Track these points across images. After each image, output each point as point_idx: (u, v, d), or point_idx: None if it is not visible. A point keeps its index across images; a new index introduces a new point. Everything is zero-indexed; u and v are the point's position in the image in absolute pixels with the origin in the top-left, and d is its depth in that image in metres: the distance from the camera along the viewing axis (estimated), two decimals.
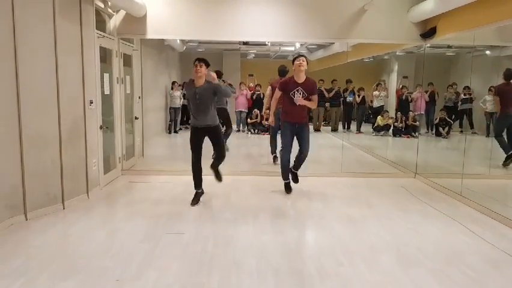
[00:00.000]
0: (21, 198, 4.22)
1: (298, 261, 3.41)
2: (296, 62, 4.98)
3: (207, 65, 4.63)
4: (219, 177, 5.00)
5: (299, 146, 5.19)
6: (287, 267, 3.27)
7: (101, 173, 5.52)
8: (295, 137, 5.19)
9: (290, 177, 5.41)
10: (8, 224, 4.05)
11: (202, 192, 4.94)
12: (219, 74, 7.37)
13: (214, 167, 4.94)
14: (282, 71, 6.87)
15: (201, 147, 4.78)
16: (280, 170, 5.39)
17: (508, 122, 6.42)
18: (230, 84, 8.56)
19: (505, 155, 6.35)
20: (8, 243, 3.67)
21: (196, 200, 4.82)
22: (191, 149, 4.77)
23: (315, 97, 5.11)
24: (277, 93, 5.16)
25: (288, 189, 5.39)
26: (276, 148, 7.03)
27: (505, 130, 6.47)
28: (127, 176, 6.28)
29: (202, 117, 4.65)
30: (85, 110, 4.96)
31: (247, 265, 3.29)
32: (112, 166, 6.08)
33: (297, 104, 4.94)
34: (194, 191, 4.89)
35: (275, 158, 7.08)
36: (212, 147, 4.93)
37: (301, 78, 5.00)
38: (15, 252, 3.48)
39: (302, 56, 5.08)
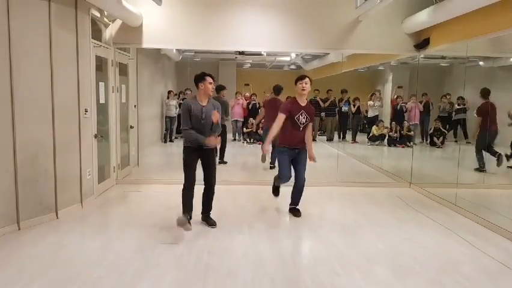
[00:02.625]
0: (14, 207, 4.18)
1: (293, 271, 3.40)
2: (299, 85, 4.64)
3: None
4: (211, 223, 4.48)
5: (295, 173, 4.82)
6: (282, 277, 3.25)
7: (95, 182, 5.48)
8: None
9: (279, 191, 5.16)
10: (0, 234, 4.00)
11: (191, 217, 4.22)
12: (221, 88, 7.59)
13: (206, 212, 4.55)
14: (278, 89, 7.11)
15: (196, 169, 4.31)
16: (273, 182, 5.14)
17: (488, 139, 6.76)
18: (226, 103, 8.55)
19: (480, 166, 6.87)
20: (0, 253, 3.63)
21: (183, 221, 4.04)
22: (186, 170, 4.23)
23: (311, 125, 4.84)
24: (282, 118, 4.65)
25: (276, 192, 5.12)
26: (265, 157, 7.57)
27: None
28: (121, 186, 6.25)
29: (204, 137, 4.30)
30: (80, 119, 4.94)
31: (243, 275, 3.27)
32: (106, 175, 6.04)
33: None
34: (183, 212, 4.16)
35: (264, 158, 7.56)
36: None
37: (304, 101, 4.70)
38: (7, 262, 3.43)
39: (307, 77, 4.68)
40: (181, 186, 4.24)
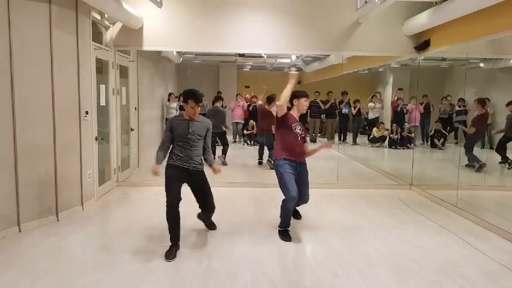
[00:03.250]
0: (15, 209, 4.19)
1: (294, 273, 3.39)
2: (304, 103, 4.33)
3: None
4: (212, 226, 4.42)
5: (298, 195, 4.17)
6: (283, 280, 3.25)
7: (96, 184, 5.49)
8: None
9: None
10: (1, 236, 4.01)
11: (179, 248, 3.77)
12: (217, 98, 8.31)
13: (207, 219, 4.36)
14: (269, 99, 7.58)
15: (180, 189, 3.80)
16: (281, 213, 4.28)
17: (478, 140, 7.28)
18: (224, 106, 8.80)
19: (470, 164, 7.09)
20: (0, 255, 3.63)
21: (172, 254, 3.64)
22: (171, 190, 3.73)
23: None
24: (284, 106, 4.19)
25: (286, 236, 4.19)
26: (263, 154, 8.12)
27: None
28: (122, 188, 6.25)
29: (190, 157, 3.81)
30: (80, 121, 4.95)
31: (243, 278, 3.27)
32: (107, 177, 6.05)
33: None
34: (171, 238, 3.75)
35: (260, 163, 8.14)
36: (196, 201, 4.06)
37: (297, 116, 4.41)
38: (7, 264, 3.44)
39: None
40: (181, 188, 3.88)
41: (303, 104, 4.35)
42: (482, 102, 6.93)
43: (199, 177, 3.93)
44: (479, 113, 6.97)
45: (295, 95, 4.36)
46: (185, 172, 3.82)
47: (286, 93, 4.17)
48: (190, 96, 3.73)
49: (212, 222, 4.44)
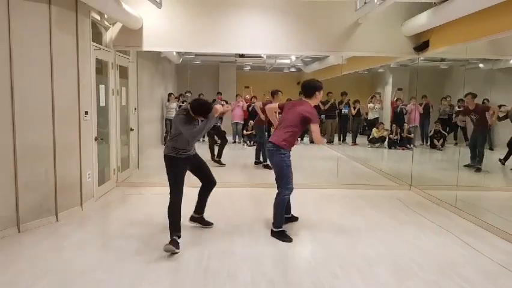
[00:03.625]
0: (14, 210, 4.18)
1: (293, 273, 3.40)
2: (322, 93, 4.42)
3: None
4: (208, 224, 4.49)
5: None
6: (282, 280, 3.25)
7: (95, 184, 5.49)
8: None
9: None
10: (0, 237, 4.00)
11: (178, 248, 3.74)
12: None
13: (202, 213, 4.46)
14: (274, 93, 7.60)
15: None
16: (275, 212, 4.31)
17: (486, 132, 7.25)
18: (226, 101, 8.76)
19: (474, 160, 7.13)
20: (0, 255, 3.63)
21: (171, 248, 3.67)
22: (178, 184, 3.88)
23: None
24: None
25: (285, 236, 4.21)
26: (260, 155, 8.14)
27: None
28: (121, 188, 6.25)
29: (193, 147, 4.13)
30: (80, 122, 4.95)
31: (243, 278, 3.27)
32: (106, 178, 6.05)
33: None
34: (171, 233, 3.81)
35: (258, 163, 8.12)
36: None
37: None
38: (7, 264, 3.44)
39: None
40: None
41: (321, 94, 4.42)
42: (474, 95, 6.95)
43: (197, 157, 4.25)
44: (471, 108, 7.00)
45: (319, 86, 4.32)
46: (189, 160, 4.06)
47: (319, 138, 4.33)
48: (200, 113, 3.85)
49: (205, 220, 4.46)
